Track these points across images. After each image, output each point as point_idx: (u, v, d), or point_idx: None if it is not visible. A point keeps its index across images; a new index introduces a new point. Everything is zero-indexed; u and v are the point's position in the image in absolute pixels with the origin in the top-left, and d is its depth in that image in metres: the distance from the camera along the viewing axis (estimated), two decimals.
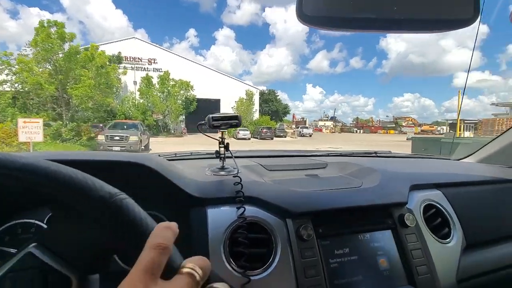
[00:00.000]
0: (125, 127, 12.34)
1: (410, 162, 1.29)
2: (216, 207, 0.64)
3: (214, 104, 38.45)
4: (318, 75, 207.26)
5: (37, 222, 0.61)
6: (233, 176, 0.71)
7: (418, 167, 1.15)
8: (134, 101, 28.03)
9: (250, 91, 35.18)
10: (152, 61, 32.76)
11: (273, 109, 50.23)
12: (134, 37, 32.95)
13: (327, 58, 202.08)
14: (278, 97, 53.20)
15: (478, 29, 0.88)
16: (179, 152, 1.18)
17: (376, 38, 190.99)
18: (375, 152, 1.33)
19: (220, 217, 0.62)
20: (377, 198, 0.73)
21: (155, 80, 28.62)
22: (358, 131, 63.79)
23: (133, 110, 27.05)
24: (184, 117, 31.44)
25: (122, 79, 28.85)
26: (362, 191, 0.76)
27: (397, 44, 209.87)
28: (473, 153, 1.32)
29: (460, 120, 30.02)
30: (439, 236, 0.75)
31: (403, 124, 59.16)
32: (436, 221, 0.78)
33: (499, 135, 1.23)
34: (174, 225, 0.29)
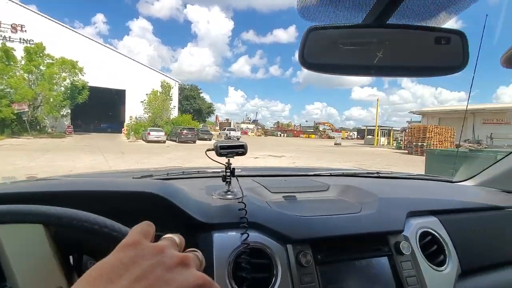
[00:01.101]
0: None
1: (410, 186, 1.28)
2: (221, 232, 0.66)
3: (117, 96, 30.27)
4: (240, 78, 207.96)
5: None
6: (238, 202, 0.72)
7: (417, 192, 1.15)
8: None
9: (167, 83, 28.71)
10: (19, 28, 22.93)
11: (195, 108, 43.92)
12: None
13: (249, 64, 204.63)
14: (201, 95, 47.55)
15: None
16: (186, 170, 1.21)
17: (292, 51, 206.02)
18: (377, 173, 1.35)
19: (225, 242, 0.64)
20: (375, 226, 0.75)
21: (21, 54, 19.49)
22: (282, 134, 64.90)
23: None
24: (69, 110, 22.84)
25: None
26: (360, 217, 0.78)
27: None
28: (476, 175, 1.31)
29: (375, 127, 31.58)
30: (434, 263, 0.76)
31: (321, 129, 62.53)
32: (432, 248, 0.79)
33: (503, 158, 1.22)
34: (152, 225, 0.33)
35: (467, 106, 1.91)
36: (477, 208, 0.97)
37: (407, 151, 19.23)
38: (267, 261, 0.64)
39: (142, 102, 27.15)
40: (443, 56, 0.52)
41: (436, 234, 0.81)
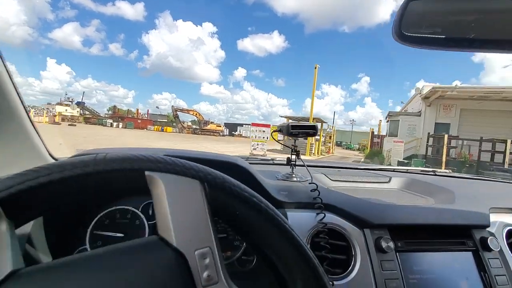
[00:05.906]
0: None
1: (479, 184, 1.23)
2: (294, 211, 0.67)
3: None
4: (66, 50, 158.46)
5: (132, 209, 0.69)
6: (309, 183, 0.72)
7: (491, 190, 1.11)
8: None
9: None
10: None
11: None
12: None
13: (80, 34, 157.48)
14: None
15: None
16: (250, 157, 1.28)
17: (139, 31, 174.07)
18: (433, 171, 1.30)
19: (300, 221, 0.64)
20: (457, 218, 0.72)
21: None
22: (116, 124, 41.60)
23: None
24: None
25: None
26: (439, 209, 0.74)
27: (158, 43, 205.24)
28: None
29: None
30: None
31: (181, 118, 43.07)
32: None
33: None
34: None
35: None
36: None
37: None
38: (345, 243, 0.63)
39: None
40: None
41: None
